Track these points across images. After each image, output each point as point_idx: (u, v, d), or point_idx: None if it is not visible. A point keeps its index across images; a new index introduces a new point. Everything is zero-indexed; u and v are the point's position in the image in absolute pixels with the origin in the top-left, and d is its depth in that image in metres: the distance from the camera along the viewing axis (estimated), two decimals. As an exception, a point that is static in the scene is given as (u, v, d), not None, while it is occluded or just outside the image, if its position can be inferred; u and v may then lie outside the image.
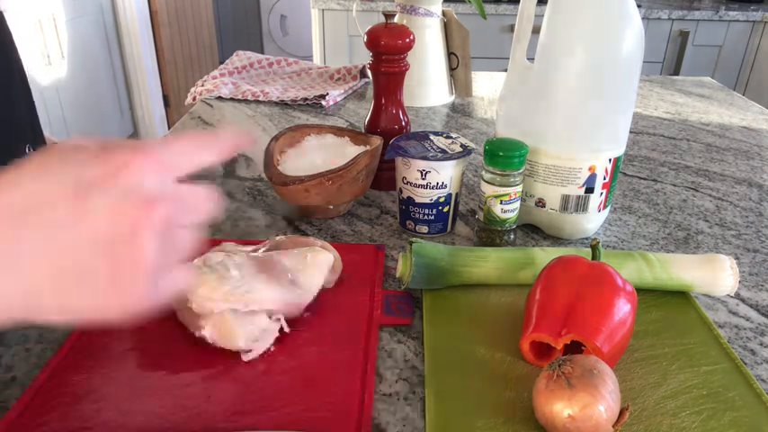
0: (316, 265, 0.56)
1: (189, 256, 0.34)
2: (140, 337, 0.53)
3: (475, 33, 1.33)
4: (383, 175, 0.82)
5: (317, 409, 0.46)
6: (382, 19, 0.79)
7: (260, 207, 0.79)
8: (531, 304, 0.52)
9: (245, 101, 1.23)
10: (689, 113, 1.23)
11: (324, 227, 0.75)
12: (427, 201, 0.70)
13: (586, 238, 0.73)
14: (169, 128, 3.33)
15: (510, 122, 0.71)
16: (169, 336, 0.53)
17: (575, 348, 0.49)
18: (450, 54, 1.23)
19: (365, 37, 0.77)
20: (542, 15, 0.65)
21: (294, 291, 0.54)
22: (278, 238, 0.62)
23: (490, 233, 0.68)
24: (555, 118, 0.66)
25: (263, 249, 0.60)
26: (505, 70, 0.76)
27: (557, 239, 0.73)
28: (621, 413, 0.43)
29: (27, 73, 0.64)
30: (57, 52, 2.46)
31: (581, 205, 0.69)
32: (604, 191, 0.69)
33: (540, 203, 0.71)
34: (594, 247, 0.56)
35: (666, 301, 0.60)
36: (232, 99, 1.24)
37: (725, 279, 0.59)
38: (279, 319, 0.53)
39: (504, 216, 0.66)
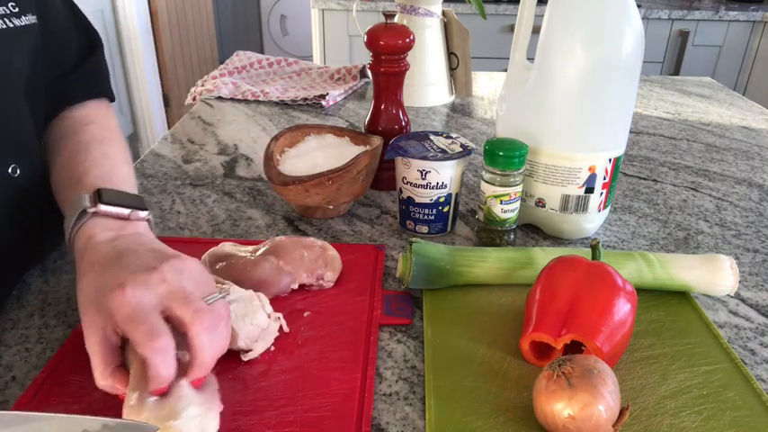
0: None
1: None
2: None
3: (475, 33, 1.33)
4: (383, 175, 0.82)
5: (317, 409, 0.46)
6: (382, 19, 0.79)
7: (260, 207, 0.79)
8: (531, 304, 0.52)
9: (245, 101, 1.23)
10: (689, 113, 1.23)
11: (324, 227, 0.75)
12: (427, 201, 0.70)
13: (586, 238, 0.73)
14: (169, 128, 3.32)
15: (510, 122, 0.71)
16: (169, 336, 0.53)
17: (575, 348, 0.49)
18: (450, 54, 1.23)
19: (365, 37, 0.77)
20: (542, 15, 0.65)
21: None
22: (277, 238, 0.62)
23: (490, 233, 0.68)
24: (555, 118, 0.66)
25: (262, 249, 0.60)
26: (505, 70, 0.76)
27: (557, 239, 0.73)
28: (621, 413, 0.43)
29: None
30: (57, 52, 2.46)
31: (581, 205, 0.69)
32: (604, 191, 0.69)
33: (540, 203, 0.71)
34: (594, 247, 0.56)
35: (666, 301, 0.60)
36: (232, 99, 1.24)
37: (725, 279, 0.59)
38: (279, 319, 0.53)
39: (504, 216, 0.66)
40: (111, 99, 0.71)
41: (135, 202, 0.53)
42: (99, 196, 0.51)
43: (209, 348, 0.42)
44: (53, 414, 0.40)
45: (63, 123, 0.65)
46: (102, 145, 0.61)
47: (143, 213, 0.53)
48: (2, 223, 0.57)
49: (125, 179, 0.58)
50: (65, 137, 0.63)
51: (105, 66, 0.71)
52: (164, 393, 0.41)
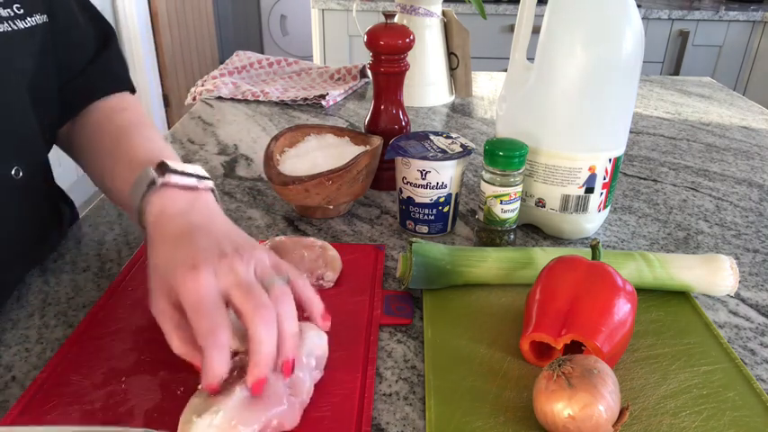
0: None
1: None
2: (140, 337, 0.53)
3: (475, 33, 1.33)
4: (383, 175, 0.82)
5: (317, 409, 0.46)
6: (382, 19, 0.79)
7: (260, 207, 0.79)
8: (531, 304, 0.52)
9: (245, 101, 1.23)
10: (689, 113, 1.23)
11: (324, 227, 0.75)
12: (427, 201, 0.70)
13: (586, 238, 0.73)
14: (169, 128, 3.32)
15: (510, 122, 0.71)
16: (169, 336, 0.53)
17: (575, 348, 0.49)
18: (450, 54, 1.23)
19: (365, 37, 0.77)
20: (542, 15, 0.65)
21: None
22: (277, 238, 0.62)
23: (490, 233, 0.68)
24: (555, 118, 0.66)
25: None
26: (505, 70, 0.76)
27: (557, 239, 0.73)
28: (621, 413, 0.43)
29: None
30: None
31: (581, 205, 0.69)
32: (604, 191, 0.69)
33: (540, 203, 0.71)
34: (594, 247, 0.56)
35: (666, 301, 0.60)
36: (232, 99, 1.24)
37: (725, 279, 0.59)
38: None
39: (504, 216, 0.66)
40: (132, 91, 0.71)
41: (198, 172, 0.52)
42: (165, 168, 0.50)
43: (266, 344, 0.41)
44: (46, 427, 0.41)
45: (94, 115, 0.65)
46: (143, 129, 0.62)
47: (210, 182, 0.52)
48: (3, 224, 0.57)
49: (174, 158, 0.58)
50: (101, 124, 0.63)
51: (123, 57, 0.70)
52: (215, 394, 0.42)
